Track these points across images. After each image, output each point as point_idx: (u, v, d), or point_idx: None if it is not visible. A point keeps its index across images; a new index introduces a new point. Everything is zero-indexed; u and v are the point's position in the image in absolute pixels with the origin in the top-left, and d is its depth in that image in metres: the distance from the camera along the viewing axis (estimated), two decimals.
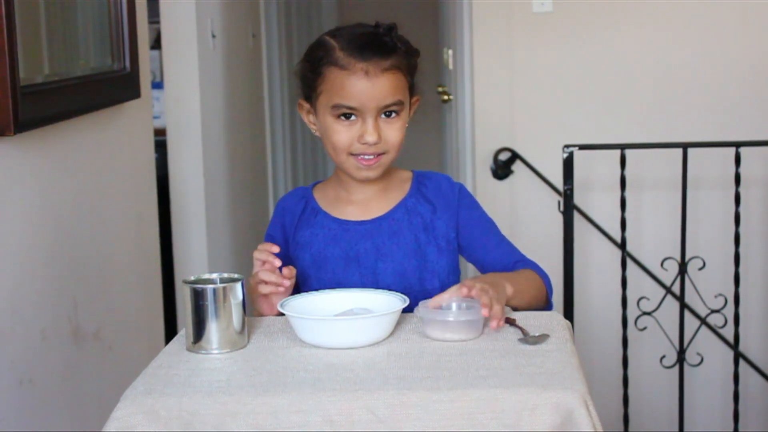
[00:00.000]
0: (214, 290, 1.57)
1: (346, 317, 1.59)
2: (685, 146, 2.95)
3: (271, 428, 1.37)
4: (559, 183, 3.33)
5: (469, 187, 3.39)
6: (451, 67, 4.07)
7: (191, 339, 1.58)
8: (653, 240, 3.51)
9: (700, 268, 3.08)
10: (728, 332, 3.29)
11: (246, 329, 1.61)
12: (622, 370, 3.09)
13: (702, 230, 3.47)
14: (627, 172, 2.94)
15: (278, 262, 1.71)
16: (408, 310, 1.65)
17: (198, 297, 1.57)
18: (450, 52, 4.10)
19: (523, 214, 3.57)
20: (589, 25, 3.51)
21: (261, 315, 1.77)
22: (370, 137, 1.75)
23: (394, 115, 1.77)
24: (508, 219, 3.48)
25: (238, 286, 1.59)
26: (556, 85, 3.54)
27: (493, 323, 1.60)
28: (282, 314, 1.65)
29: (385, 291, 1.70)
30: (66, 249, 2.24)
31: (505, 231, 1.94)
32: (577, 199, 3.27)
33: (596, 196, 3.51)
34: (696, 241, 3.36)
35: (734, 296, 3.06)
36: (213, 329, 1.57)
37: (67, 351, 2.22)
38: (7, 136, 1.90)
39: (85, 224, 2.35)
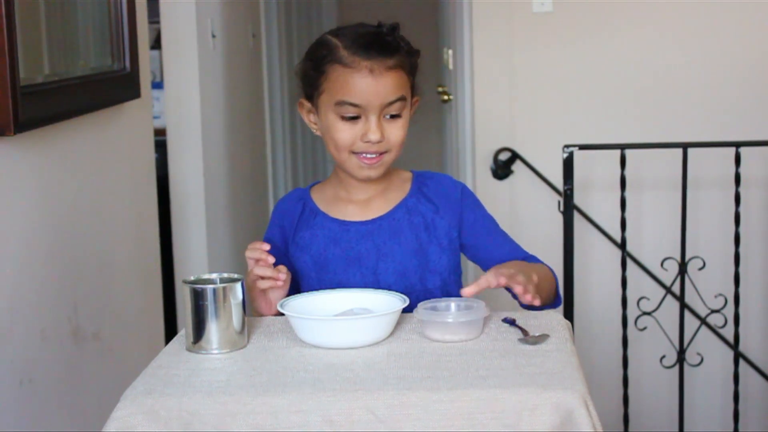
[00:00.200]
0: (214, 290, 1.57)
1: (346, 317, 1.59)
2: (685, 146, 2.95)
3: (271, 428, 1.37)
4: (559, 183, 3.33)
5: (469, 187, 3.38)
6: (451, 67, 4.07)
7: (191, 339, 1.58)
8: (653, 240, 3.51)
9: (700, 268, 3.08)
10: (728, 332, 3.29)
11: (246, 329, 1.61)
12: (622, 370, 3.09)
13: (702, 230, 3.47)
14: (627, 172, 2.94)
15: (272, 259, 1.70)
16: (408, 310, 1.65)
17: (198, 297, 1.57)
18: (450, 52, 4.10)
19: (523, 214, 3.57)
20: (589, 25, 3.51)
21: (260, 314, 1.77)
22: (374, 135, 1.75)
23: (396, 115, 1.78)
24: (508, 219, 3.48)
25: (238, 286, 1.59)
26: (556, 85, 3.54)
27: (535, 300, 1.64)
28: (281, 314, 1.65)
29: (385, 291, 1.70)
30: (66, 249, 2.23)
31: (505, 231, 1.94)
32: (577, 199, 3.27)
33: (596, 196, 3.51)
34: (696, 241, 3.36)
35: (734, 296, 3.06)
36: (213, 329, 1.57)
37: (67, 351, 2.22)
38: (7, 136, 1.90)
39: (85, 224, 2.35)
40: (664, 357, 3.15)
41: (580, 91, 3.54)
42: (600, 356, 3.51)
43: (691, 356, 3.20)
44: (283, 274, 1.71)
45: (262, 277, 1.71)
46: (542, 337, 1.58)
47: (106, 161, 2.51)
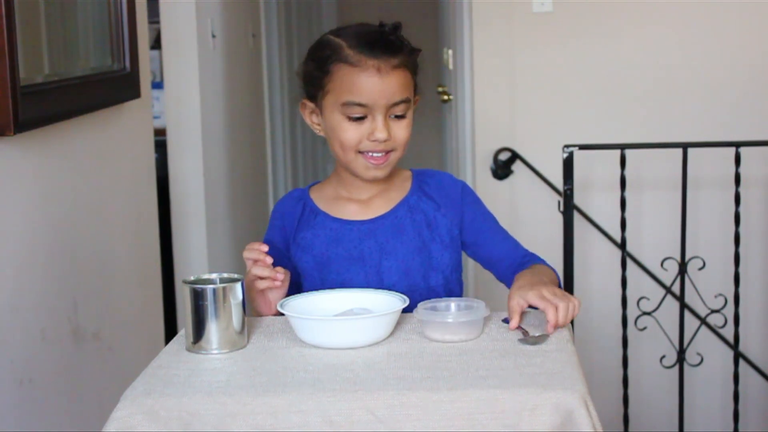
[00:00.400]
0: (214, 290, 1.57)
1: (346, 317, 1.59)
2: (685, 146, 2.95)
3: (270, 428, 1.37)
4: (559, 183, 3.33)
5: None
6: (451, 67, 4.07)
7: (191, 339, 1.58)
8: (653, 240, 3.51)
9: (700, 268, 3.08)
10: (728, 332, 3.29)
11: (246, 329, 1.61)
12: (622, 370, 3.09)
13: (702, 230, 3.47)
14: (627, 172, 2.94)
15: (270, 259, 1.70)
16: (408, 310, 1.65)
17: (198, 297, 1.57)
18: (450, 52, 4.10)
19: (523, 214, 3.58)
20: (589, 25, 3.51)
21: (259, 314, 1.77)
22: (381, 134, 1.75)
23: (401, 116, 1.78)
24: (508, 219, 3.48)
25: (238, 286, 1.59)
26: (556, 85, 3.54)
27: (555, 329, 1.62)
28: (281, 314, 1.65)
29: (385, 291, 1.70)
30: (66, 249, 2.23)
31: None
32: (577, 199, 3.27)
33: (596, 196, 3.51)
34: (696, 241, 3.37)
35: (734, 296, 3.06)
36: (213, 329, 1.57)
37: (67, 351, 2.22)
38: (7, 136, 1.90)
39: (85, 224, 2.35)
40: (664, 357, 3.15)
41: (580, 91, 3.54)
42: (600, 356, 3.52)
43: (691, 356, 3.20)
44: (281, 274, 1.71)
45: (261, 278, 1.71)
46: (542, 337, 1.58)
47: (106, 161, 2.51)
